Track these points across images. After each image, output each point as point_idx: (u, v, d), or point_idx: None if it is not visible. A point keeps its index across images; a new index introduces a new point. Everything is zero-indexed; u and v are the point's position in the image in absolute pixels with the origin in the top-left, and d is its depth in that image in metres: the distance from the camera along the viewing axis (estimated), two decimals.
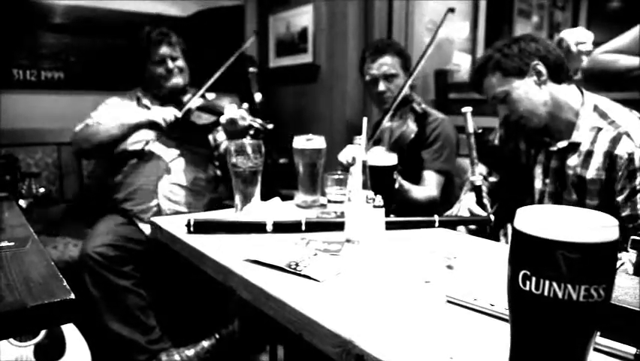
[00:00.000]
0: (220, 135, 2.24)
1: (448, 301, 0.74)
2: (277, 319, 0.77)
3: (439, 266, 0.91)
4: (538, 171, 1.47)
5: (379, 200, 1.03)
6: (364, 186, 1.05)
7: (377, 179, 1.13)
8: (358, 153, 1.08)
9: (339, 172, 1.48)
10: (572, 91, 1.39)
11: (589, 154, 1.32)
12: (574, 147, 1.35)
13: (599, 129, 1.31)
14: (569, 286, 0.43)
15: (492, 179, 1.61)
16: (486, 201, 1.45)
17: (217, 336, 1.98)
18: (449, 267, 0.91)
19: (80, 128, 2.10)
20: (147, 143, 2.11)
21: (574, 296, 0.43)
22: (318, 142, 1.41)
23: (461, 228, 1.42)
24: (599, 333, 0.59)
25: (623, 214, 1.24)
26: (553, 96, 1.37)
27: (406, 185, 1.74)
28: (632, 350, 0.58)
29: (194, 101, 2.08)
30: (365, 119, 1.13)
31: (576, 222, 0.44)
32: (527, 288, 0.45)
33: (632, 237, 0.83)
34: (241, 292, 0.87)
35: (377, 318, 0.69)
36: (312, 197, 1.44)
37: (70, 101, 2.57)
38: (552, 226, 0.44)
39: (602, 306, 0.45)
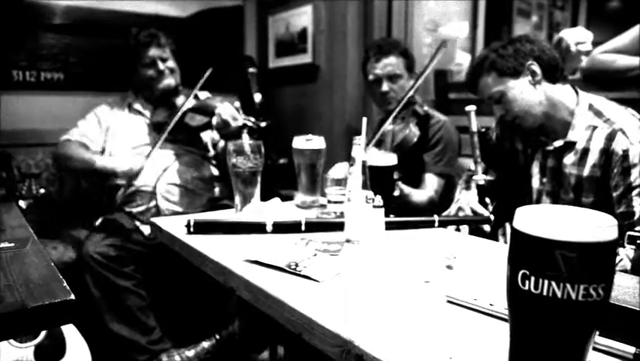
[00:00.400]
0: (217, 134, 2.24)
1: (448, 301, 0.74)
2: (277, 319, 0.77)
3: (438, 266, 0.91)
4: (536, 170, 1.47)
5: (379, 200, 1.03)
6: (364, 187, 1.05)
7: (377, 179, 1.13)
8: (358, 153, 1.08)
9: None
10: (566, 91, 1.40)
11: (585, 152, 1.32)
12: (570, 146, 1.36)
13: (595, 128, 1.32)
14: (568, 286, 0.43)
15: (489, 177, 1.62)
16: (488, 201, 1.45)
17: (217, 337, 1.99)
18: (449, 267, 0.91)
19: (62, 139, 2.11)
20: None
21: (573, 296, 0.43)
22: (317, 142, 1.41)
23: (463, 228, 1.42)
24: (598, 332, 0.59)
25: (618, 211, 1.24)
26: (548, 96, 1.38)
27: (407, 190, 1.75)
28: (632, 349, 0.58)
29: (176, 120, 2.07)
30: (364, 120, 1.13)
31: (575, 222, 0.44)
32: (526, 287, 0.45)
33: (629, 232, 0.83)
34: (241, 293, 0.87)
35: (377, 318, 0.69)
36: (311, 197, 1.44)
37: (69, 101, 2.57)
38: (551, 225, 0.44)
39: (601, 305, 0.45)
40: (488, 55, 1.41)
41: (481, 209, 1.42)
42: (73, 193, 2.48)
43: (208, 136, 2.25)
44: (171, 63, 2.16)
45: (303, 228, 1.13)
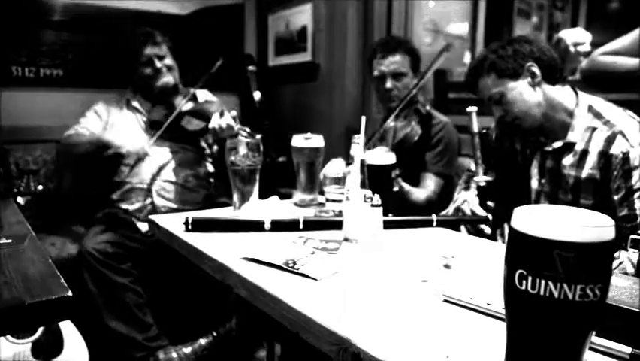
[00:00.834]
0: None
1: (445, 300, 0.74)
2: (274, 317, 0.77)
3: (436, 265, 0.92)
4: (534, 171, 1.47)
5: (377, 199, 1.03)
6: (362, 185, 1.05)
7: (375, 178, 1.13)
8: (357, 151, 1.08)
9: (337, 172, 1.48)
10: (566, 92, 1.40)
11: (584, 154, 1.32)
12: (569, 147, 1.36)
13: (594, 129, 1.31)
14: (565, 286, 0.43)
15: (488, 178, 1.62)
16: (490, 203, 1.45)
17: (214, 334, 1.99)
18: (446, 266, 0.91)
19: (66, 134, 2.12)
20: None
21: (570, 296, 0.44)
22: (316, 141, 1.41)
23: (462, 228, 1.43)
24: (594, 332, 0.59)
25: (621, 214, 1.24)
26: (548, 97, 1.38)
27: (407, 187, 1.75)
28: (628, 349, 0.58)
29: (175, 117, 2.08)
30: (364, 118, 1.13)
31: (572, 222, 0.44)
32: (523, 287, 0.46)
33: (632, 236, 0.83)
34: (239, 290, 0.87)
35: (374, 317, 0.69)
36: (310, 195, 1.44)
37: (68, 98, 2.56)
38: (548, 225, 0.44)
39: (598, 306, 0.45)
40: (487, 56, 1.41)
41: (479, 210, 1.42)
42: (72, 189, 2.48)
43: (204, 140, 2.25)
44: (168, 61, 2.15)
45: (301, 226, 1.13)
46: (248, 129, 1.96)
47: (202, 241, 1.05)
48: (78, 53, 2.64)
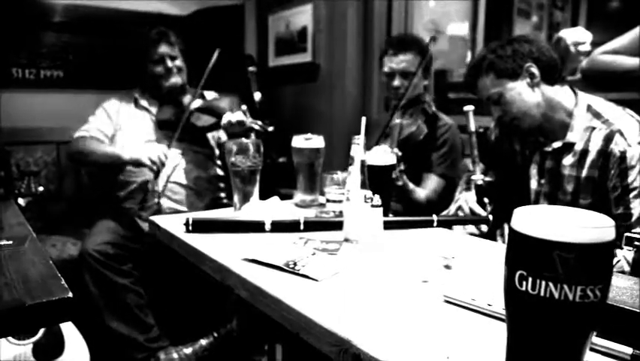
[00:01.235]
0: (223, 134, 2.24)
1: (446, 301, 0.74)
2: (274, 318, 0.77)
3: (436, 266, 0.91)
4: (534, 171, 1.47)
5: (377, 199, 1.03)
6: (363, 186, 1.05)
7: (375, 178, 1.13)
8: (357, 152, 1.07)
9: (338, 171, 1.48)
10: (565, 92, 1.40)
11: (584, 153, 1.32)
12: (568, 147, 1.36)
13: (593, 129, 1.31)
14: (565, 287, 0.43)
15: (488, 178, 1.62)
16: (486, 200, 1.45)
17: (215, 335, 1.99)
18: (447, 267, 0.91)
19: (77, 136, 2.11)
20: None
21: (570, 297, 0.43)
22: (317, 141, 1.41)
23: (459, 227, 1.42)
24: (595, 333, 0.59)
25: (616, 213, 1.24)
26: (547, 97, 1.38)
27: (410, 185, 1.76)
28: (629, 350, 0.58)
29: (193, 107, 2.09)
30: (364, 119, 1.13)
31: (573, 223, 0.44)
32: (524, 288, 0.46)
33: (627, 234, 0.83)
34: (239, 291, 0.87)
35: (374, 317, 0.69)
36: (310, 196, 1.44)
37: (69, 99, 2.57)
38: (549, 226, 0.44)
39: (598, 306, 0.45)
40: (486, 55, 1.41)
41: (479, 210, 1.42)
42: (74, 190, 2.48)
43: (213, 136, 2.26)
44: (179, 62, 2.17)
45: (301, 227, 1.13)
46: (260, 122, 1.98)
47: (202, 242, 1.05)
48: (78, 54, 2.65)
